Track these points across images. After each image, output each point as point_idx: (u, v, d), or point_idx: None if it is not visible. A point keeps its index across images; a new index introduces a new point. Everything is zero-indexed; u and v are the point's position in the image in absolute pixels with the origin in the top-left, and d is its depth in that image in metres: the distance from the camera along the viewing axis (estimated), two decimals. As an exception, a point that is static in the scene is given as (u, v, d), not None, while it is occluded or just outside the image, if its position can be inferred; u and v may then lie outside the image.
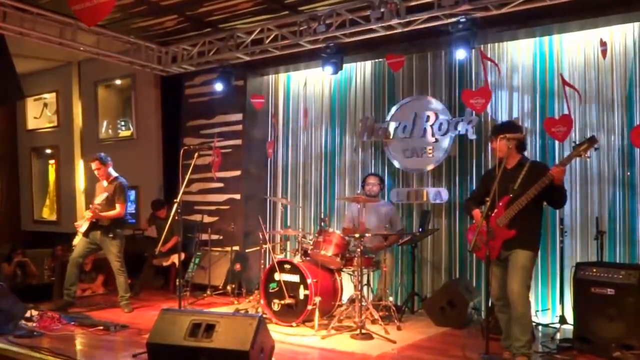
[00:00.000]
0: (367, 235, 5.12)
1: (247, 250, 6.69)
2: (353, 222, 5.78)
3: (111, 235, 5.69)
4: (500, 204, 3.83)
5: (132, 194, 8.44)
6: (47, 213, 10.06)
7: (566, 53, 5.58)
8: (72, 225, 6.03)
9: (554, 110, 5.57)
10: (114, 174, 5.87)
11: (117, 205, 5.69)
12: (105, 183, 5.84)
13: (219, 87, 6.93)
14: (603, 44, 5.17)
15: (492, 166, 5.08)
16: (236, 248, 6.94)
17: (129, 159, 8.38)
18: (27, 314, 4.93)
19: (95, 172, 5.84)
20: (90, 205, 5.78)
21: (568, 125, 5.35)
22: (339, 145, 6.99)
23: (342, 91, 6.98)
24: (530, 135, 5.62)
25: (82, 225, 5.73)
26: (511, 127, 4.04)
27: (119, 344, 4.54)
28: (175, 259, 6.68)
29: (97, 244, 5.76)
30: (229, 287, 6.60)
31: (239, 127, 7.38)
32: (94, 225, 5.69)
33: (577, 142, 3.74)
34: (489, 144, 3.93)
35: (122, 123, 8.94)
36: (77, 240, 5.78)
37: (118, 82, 8.91)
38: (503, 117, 5.85)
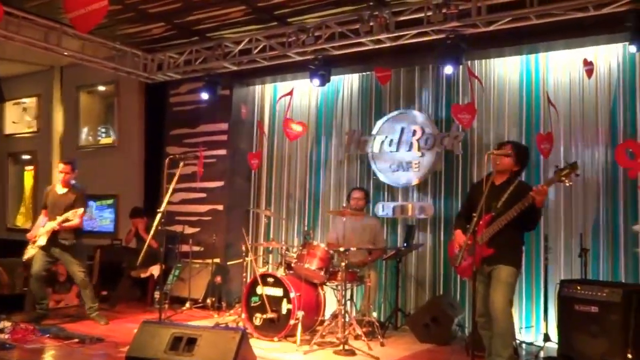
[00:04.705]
0: (351, 249, 5.11)
1: (228, 263, 6.64)
2: (337, 235, 5.77)
3: (71, 248, 5.51)
4: (481, 222, 3.84)
5: (109, 202, 8.49)
6: (22, 221, 9.85)
7: (552, 71, 5.69)
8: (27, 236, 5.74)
9: (539, 127, 5.66)
10: (73, 181, 5.71)
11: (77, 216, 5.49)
12: (62, 190, 5.62)
13: (204, 96, 6.92)
14: (588, 63, 5.29)
15: (478, 180, 5.13)
16: (217, 260, 6.88)
17: (110, 166, 8.34)
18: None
19: (61, 176, 5.61)
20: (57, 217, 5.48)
21: (551, 143, 5.45)
22: (324, 157, 6.99)
23: (329, 103, 7.01)
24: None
25: (41, 238, 5.46)
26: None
27: (95, 357, 4.42)
28: (154, 270, 6.58)
29: (56, 257, 5.57)
30: (208, 300, 6.51)
31: (224, 137, 7.36)
32: (53, 240, 5.46)
33: (559, 167, 3.76)
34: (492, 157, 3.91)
35: (104, 130, 8.85)
36: (31, 254, 5.53)
37: (101, 88, 8.84)
38: (489, 133, 5.93)
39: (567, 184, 3.68)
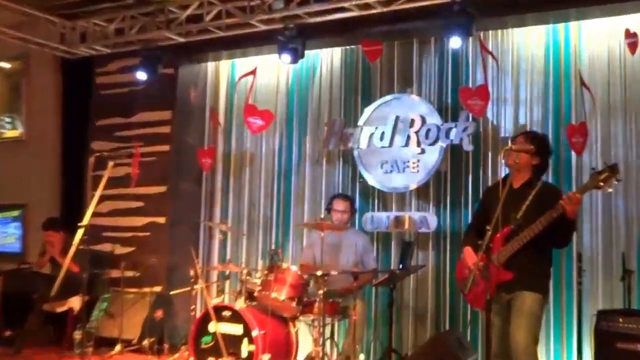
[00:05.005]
0: (332, 273, 5.10)
1: (172, 293, 6.58)
2: (313, 256, 5.76)
3: None
4: (498, 235, 3.84)
5: (15, 213, 8.45)
6: None
7: (586, 45, 5.75)
8: None
9: (570, 116, 5.72)
10: None
11: None
12: None
13: (141, 75, 6.89)
14: (631, 35, 5.35)
15: (493, 183, 5.15)
16: (158, 289, 6.85)
17: (16, 167, 8.27)
18: None
19: None
20: None
21: (585, 135, 5.51)
22: (297, 155, 7.00)
23: (303, 86, 7.02)
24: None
25: None
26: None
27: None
28: (73, 302, 6.47)
29: None
30: (146, 342, 6.44)
31: (167, 129, 7.33)
32: None
33: (596, 170, 3.75)
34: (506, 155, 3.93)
35: (8, 120, 8.78)
36: None
37: (4, 65, 8.79)
38: (507, 123, 5.98)
39: (607, 191, 3.69)
